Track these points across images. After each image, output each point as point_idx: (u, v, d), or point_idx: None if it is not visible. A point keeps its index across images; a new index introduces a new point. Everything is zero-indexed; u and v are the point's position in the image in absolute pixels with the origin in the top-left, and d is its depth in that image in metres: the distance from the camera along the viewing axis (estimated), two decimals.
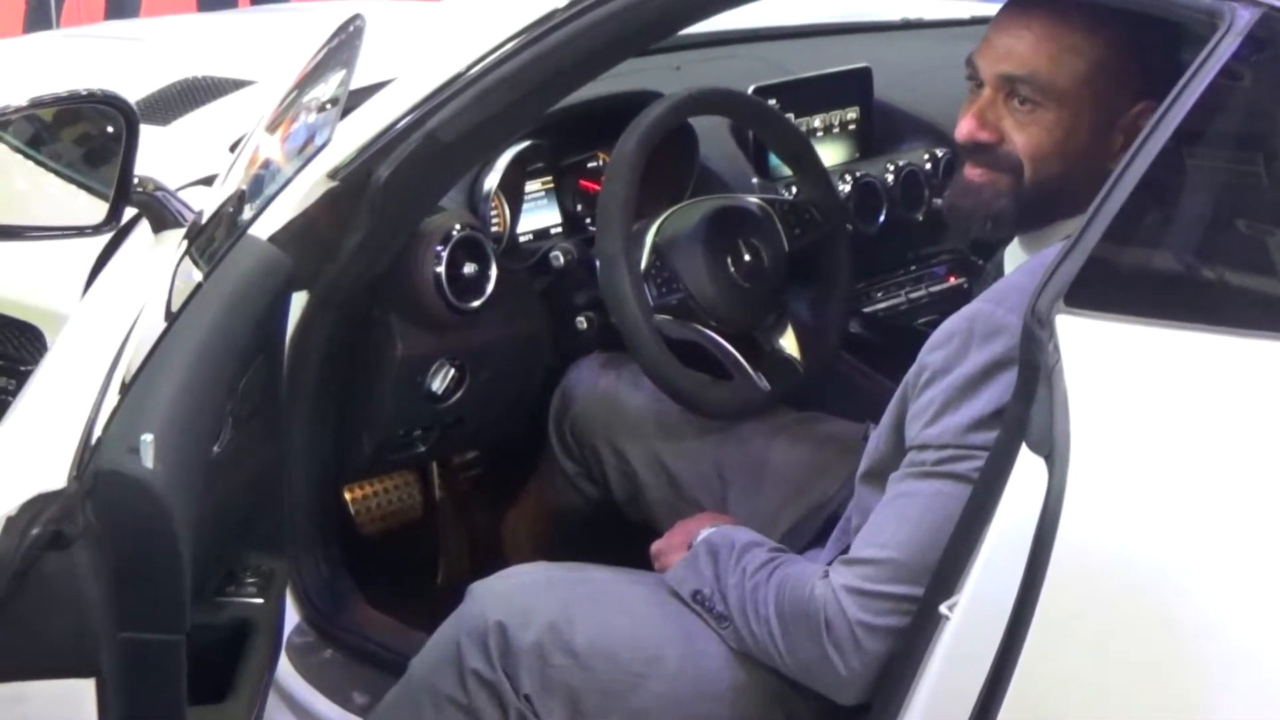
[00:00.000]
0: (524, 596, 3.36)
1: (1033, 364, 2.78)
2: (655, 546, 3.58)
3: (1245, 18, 2.83)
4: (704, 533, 3.38)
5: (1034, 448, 2.74)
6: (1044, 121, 3.16)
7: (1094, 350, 2.74)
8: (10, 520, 2.69)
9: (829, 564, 3.17)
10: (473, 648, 3.30)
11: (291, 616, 3.68)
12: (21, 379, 3.29)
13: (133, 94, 3.55)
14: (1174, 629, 2.66)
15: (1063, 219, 3.21)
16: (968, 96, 3.26)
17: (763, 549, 3.30)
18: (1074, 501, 2.70)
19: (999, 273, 3.34)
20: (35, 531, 2.69)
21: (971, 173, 3.25)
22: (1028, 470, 2.75)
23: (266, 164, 3.32)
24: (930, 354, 3.10)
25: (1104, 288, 2.79)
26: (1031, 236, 3.29)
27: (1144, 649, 2.69)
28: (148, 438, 2.82)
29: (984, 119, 3.21)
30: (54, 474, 2.76)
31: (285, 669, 3.64)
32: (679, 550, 3.45)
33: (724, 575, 3.27)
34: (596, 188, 4.13)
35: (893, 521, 3.08)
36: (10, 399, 3.25)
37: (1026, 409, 2.78)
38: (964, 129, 3.23)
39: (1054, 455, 2.72)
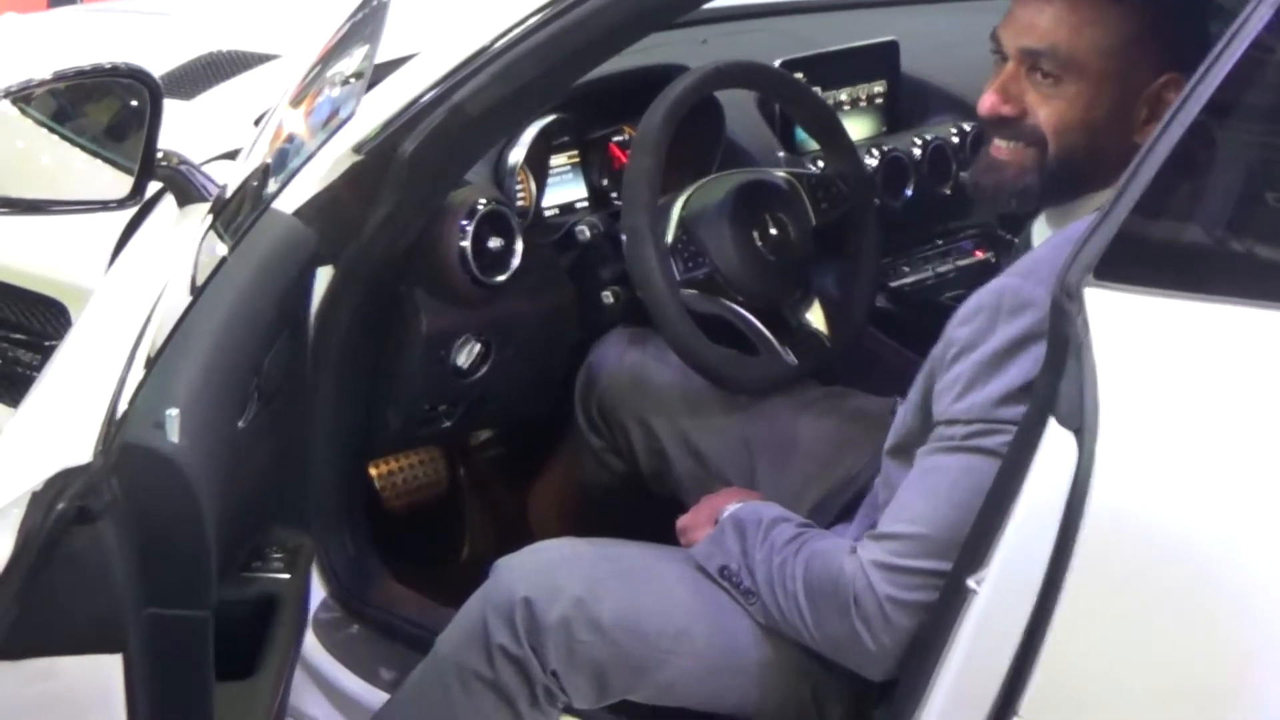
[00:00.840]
0: (551, 572, 3.37)
1: (1062, 338, 2.78)
2: (681, 522, 3.60)
3: None
4: (730, 508, 3.41)
5: (1063, 421, 2.75)
6: (1066, 95, 3.19)
7: (1124, 324, 2.75)
8: (36, 495, 2.70)
9: (857, 539, 3.20)
10: (499, 623, 3.32)
11: (317, 592, 3.70)
12: (46, 354, 3.32)
13: (157, 68, 3.58)
14: (1209, 600, 2.68)
15: (1089, 193, 3.24)
16: (992, 70, 3.28)
17: (790, 524, 3.32)
18: (1104, 475, 2.71)
19: (1027, 247, 3.35)
20: (61, 506, 2.71)
21: (996, 148, 3.28)
22: (1057, 444, 2.75)
23: (291, 138, 3.36)
24: (957, 329, 3.12)
25: (1134, 261, 2.79)
26: (1059, 210, 3.31)
27: (1177, 621, 2.71)
28: (173, 412, 2.84)
29: (1007, 93, 3.24)
30: (79, 449, 2.78)
31: (312, 645, 3.67)
32: (705, 525, 3.47)
33: (751, 550, 3.29)
34: (623, 161, 4.14)
35: (921, 496, 3.10)
36: (34, 374, 3.27)
37: (1055, 383, 2.79)
38: (986, 103, 3.26)
39: (1083, 429, 2.73)
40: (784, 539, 3.26)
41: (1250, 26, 2.82)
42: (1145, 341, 2.76)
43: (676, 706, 3.41)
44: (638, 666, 3.32)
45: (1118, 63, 3.18)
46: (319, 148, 3.45)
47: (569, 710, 3.42)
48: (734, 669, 3.34)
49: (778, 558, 3.23)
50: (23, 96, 3.37)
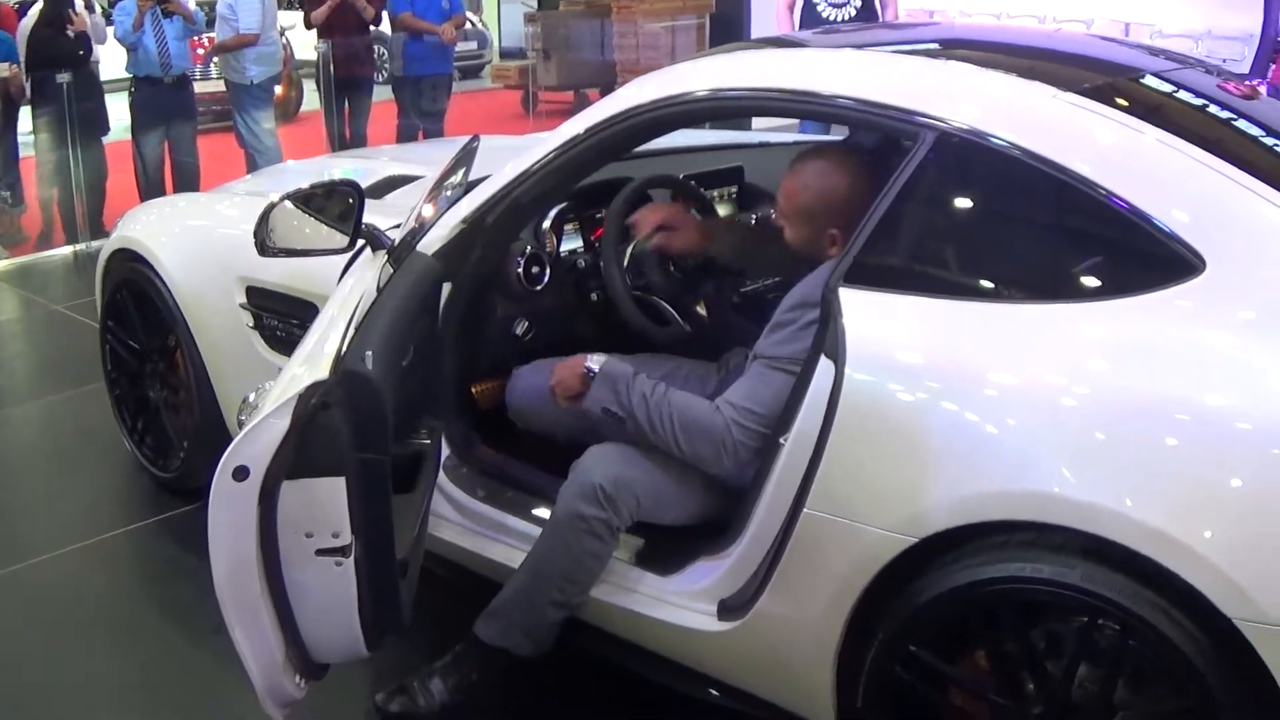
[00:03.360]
0: (608, 465, 3.34)
1: (828, 313, 2.87)
2: (552, 380, 3.52)
3: (929, 138, 2.93)
4: (594, 364, 3.37)
5: (828, 355, 2.83)
6: (791, 225, 3.30)
7: (856, 305, 2.85)
8: (301, 395, 2.77)
9: (717, 399, 3.20)
10: (583, 498, 3.28)
11: (445, 450, 3.71)
12: (305, 330, 3.39)
13: (364, 183, 3.64)
14: (892, 440, 2.76)
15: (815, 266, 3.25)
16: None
17: (642, 376, 3.31)
18: (848, 382, 2.80)
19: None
20: (314, 401, 2.78)
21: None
22: (825, 367, 2.84)
23: (424, 217, 3.41)
24: (782, 314, 3.14)
25: (860, 275, 2.88)
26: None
27: (878, 452, 2.79)
28: (369, 352, 2.91)
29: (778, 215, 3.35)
30: (323, 371, 2.85)
31: (441, 477, 3.68)
32: (572, 376, 3.43)
33: (624, 392, 3.27)
34: (600, 227, 4.16)
35: (761, 390, 3.10)
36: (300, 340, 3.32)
37: (824, 335, 2.87)
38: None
39: (838, 358, 2.81)
40: (649, 388, 3.26)
41: (915, 158, 2.94)
42: (867, 313, 2.85)
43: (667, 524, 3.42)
44: (650, 508, 3.32)
45: (810, 215, 3.23)
46: (438, 220, 3.51)
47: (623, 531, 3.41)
48: (689, 509, 3.37)
49: (652, 399, 3.23)
50: (294, 197, 3.42)
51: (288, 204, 3.45)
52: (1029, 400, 2.64)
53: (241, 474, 2.79)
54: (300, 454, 2.81)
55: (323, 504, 2.86)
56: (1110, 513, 2.49)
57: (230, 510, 2.83)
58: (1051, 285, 2.84)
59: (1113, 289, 2.72)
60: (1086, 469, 2.54)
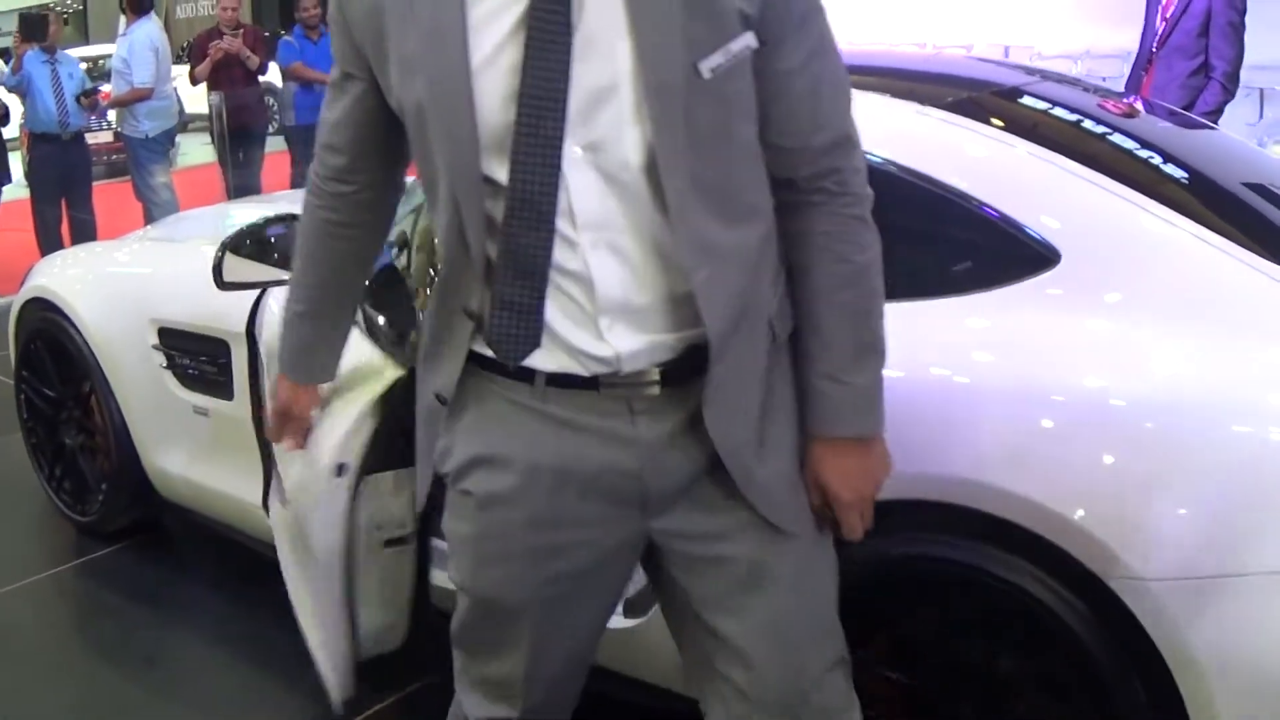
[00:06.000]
0: None
1: None
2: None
3: None
4: None
5: None
6: None
7: None
8: (383, 395, 2.93)
9: None
10: None
11: None
12: (219, 370, 3.37)
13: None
14: None
15: None
16: None
17: None
18: None
19: None
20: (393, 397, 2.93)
21: None
22: None
23: None
24: None
25: None
26: None
27: None
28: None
29: None
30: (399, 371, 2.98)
31: None
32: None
33: None
34: None
35: None
36: (215, 378, 3.33)
37: None
38: None
39: None
40: None
41: None
42: None
43: None
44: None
45: None
46: None
47: None
48: None
49: None
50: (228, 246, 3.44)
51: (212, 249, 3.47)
52: (910, 388, 2.73)
53: (341, 470, 2.91)
54: (377, 449, 2.94)
55: (393, 497, 2.99)
56: (993, 489, 2.63)
57: (330, 505, 2.94)
58: (920, 284, 2.94)
59: (983, 283, 2.86)
60: (971, 450, 2.69)
